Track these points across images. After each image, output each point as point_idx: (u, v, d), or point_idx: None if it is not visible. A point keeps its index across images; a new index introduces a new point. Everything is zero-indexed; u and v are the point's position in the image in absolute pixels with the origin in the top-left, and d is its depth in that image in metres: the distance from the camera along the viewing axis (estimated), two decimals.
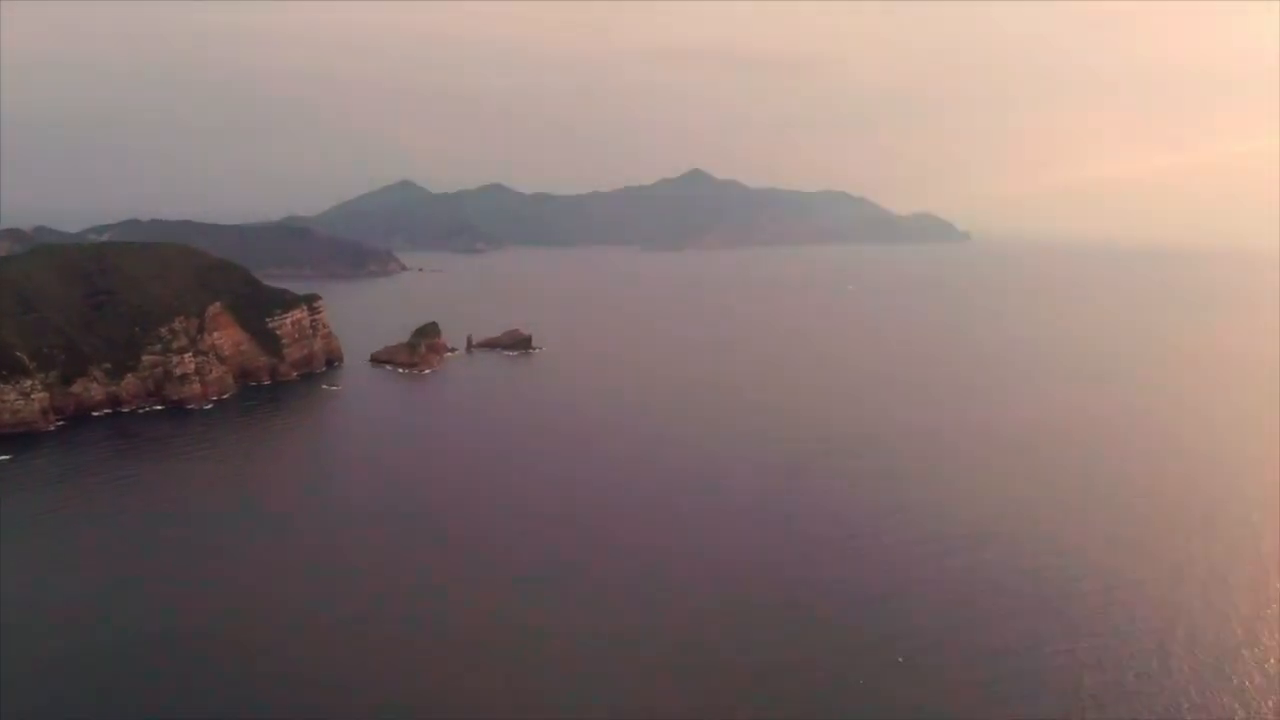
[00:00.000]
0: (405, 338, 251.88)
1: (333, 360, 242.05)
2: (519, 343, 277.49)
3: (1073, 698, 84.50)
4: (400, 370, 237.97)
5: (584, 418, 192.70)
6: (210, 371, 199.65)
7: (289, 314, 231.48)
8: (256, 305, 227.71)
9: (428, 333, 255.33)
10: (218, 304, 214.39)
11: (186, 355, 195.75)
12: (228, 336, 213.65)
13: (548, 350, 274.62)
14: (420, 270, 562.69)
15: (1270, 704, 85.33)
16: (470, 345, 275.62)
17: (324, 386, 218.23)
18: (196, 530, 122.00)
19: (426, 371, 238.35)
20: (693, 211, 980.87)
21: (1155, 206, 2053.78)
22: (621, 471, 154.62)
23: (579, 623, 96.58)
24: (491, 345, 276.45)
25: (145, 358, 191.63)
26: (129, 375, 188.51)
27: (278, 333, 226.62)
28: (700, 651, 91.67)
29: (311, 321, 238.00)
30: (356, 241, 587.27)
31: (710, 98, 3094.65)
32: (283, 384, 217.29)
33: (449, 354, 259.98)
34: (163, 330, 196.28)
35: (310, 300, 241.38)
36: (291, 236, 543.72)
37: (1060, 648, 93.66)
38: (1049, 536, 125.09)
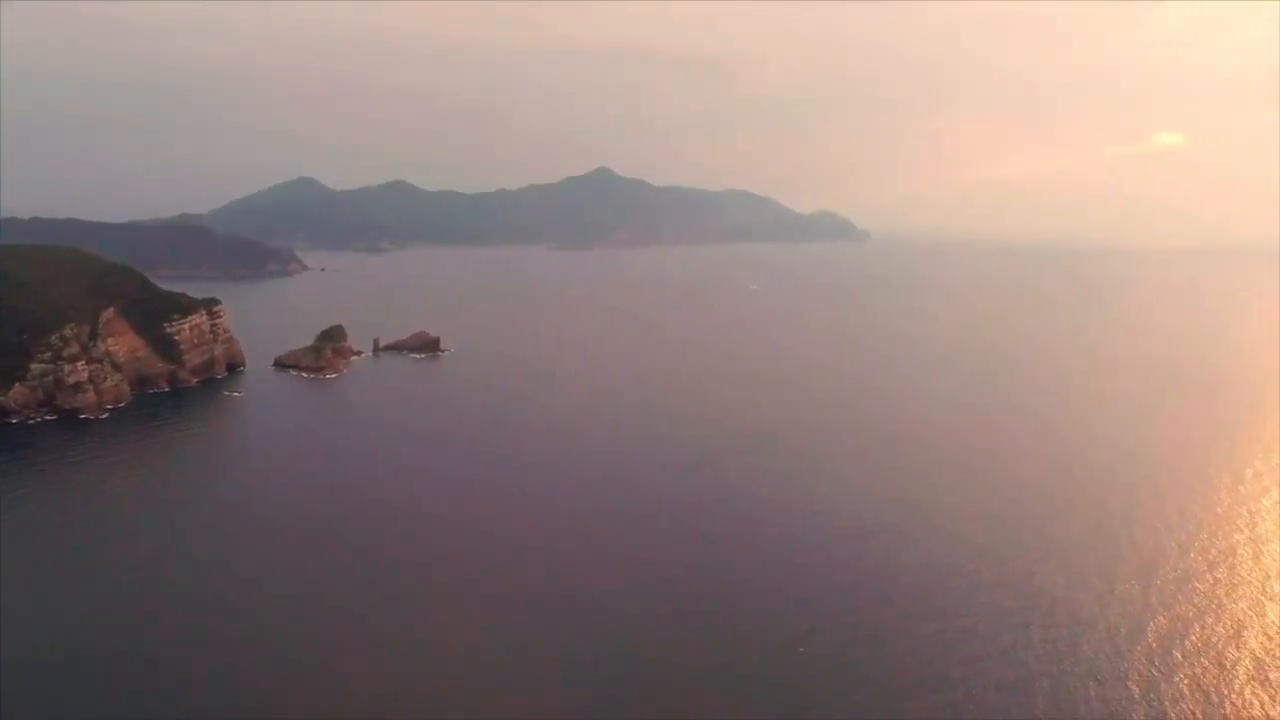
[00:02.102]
0: (309, 341, 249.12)
1: (235, 365, 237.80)
2: (426, 345, 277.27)
3: (941, 675, 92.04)
4: (305, 375, 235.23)
5: (492, 420, 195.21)
6: (105, 379, 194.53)
7: (188, 319, 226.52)
8: (153, 310, 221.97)
9: (333, 335, 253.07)
10: (111, 309, 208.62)
11: (79, 363, 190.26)
12: (123, 343, 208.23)
13: (456, 352, 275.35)
14: (323, 270, 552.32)
15: (1119, 669, 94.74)
16: (377, 348, 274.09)
17: (226, 393, 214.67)
18: (92, 544, 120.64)
19: (332, 375, 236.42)
20: (599, 210, 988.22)
21: (1049, 205, 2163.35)
22: (526, 474, 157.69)
23: (479, 626, 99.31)
24: (399, 347, 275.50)
25: (34, 366, 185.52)
26: (17, 385, 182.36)
27: (176, 338, 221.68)
28: (600, 651, 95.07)
29: (211, 326, 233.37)
30: (256, 241, 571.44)
31: (616, 96, 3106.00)
32: (183, 391, 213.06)
33: (355, 357, 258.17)
34: (53, 337, 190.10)
35: (210, 304, 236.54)
36: (186, 235, 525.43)
37: (931, 629, 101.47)
38: (933, 526, 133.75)
